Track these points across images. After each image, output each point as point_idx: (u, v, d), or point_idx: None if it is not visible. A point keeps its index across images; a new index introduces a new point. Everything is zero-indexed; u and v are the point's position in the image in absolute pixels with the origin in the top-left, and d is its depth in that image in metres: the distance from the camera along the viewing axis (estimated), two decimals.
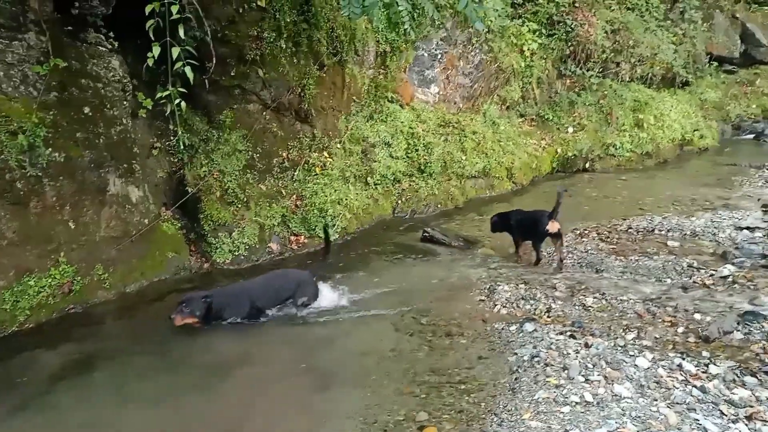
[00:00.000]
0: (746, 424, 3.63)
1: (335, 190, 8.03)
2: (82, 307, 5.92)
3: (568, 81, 12.49)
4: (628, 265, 6.54)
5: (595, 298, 5.79)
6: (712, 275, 6.12)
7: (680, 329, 5.05)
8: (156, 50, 5.13)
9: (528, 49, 11.46)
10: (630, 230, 7.83)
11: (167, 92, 5.23)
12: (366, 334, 5.39)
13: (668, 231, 7.66)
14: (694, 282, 6.02)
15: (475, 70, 10.86)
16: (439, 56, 10.44)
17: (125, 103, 6.60)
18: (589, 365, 4.47)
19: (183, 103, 5.24)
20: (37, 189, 5.66)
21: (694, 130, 13.58)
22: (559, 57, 12.35)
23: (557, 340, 4.93)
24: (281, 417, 4.23)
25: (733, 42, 16.48)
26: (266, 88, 7.69)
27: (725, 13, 16.44)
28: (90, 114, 6.14)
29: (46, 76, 5.70)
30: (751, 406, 3.82)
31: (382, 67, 9.40)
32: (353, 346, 5.18)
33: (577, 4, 12.41)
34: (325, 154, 8.24)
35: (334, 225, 7.79)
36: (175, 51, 5.06)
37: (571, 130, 11.86)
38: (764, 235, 7.25)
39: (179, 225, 7.14)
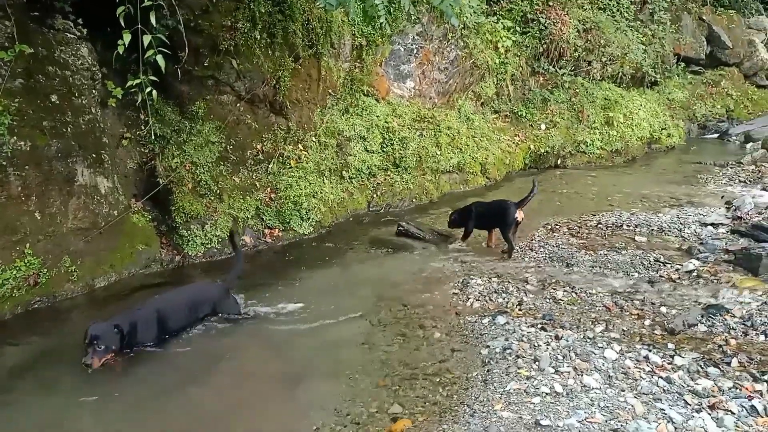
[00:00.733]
0: (709, 414, 3.73)
1: (310, 184, 8.01)
2: (48, 300, 5.80)
3: (541, 78, 12.62)
4: (598, 260, 6.65)
5: (565, 291, 5.88)
6: (677, 270, 6.26)
7: (647, 322, 5.16)
8: (127, 38, 5.05)
9: (502, 46, 11.54)
10: (599, 225, 7.96)
11: (138, 81, 5.14)
12: (340, 328, 5.39)
13: (636, 226, 7.81)
14: (661, 276, 6.15)
15: (450, 65, 10.90)
16: (415, 51, 10.46)
17: (94, 91, 6.48)
18: (560, 357, 4.54)
19: (154, 92, 5.15)
20: (1, 178, 5.52)
21: (662, 129, 13.85)
22: (533, 54, 12.47)
23: (529, 332, 4.99)
24: (254, 410, 4.21)
25: (699, 43, 16.82)
26: (240, 79, 7.62)
27: (692, 15, 16.77)
28: (57, 102, 6.01)
29: (11, 62, 5.55)
30: (714, 396, 3.93)
31: (358, 60, 9.38)
32: (327, 339, 5.17)
33: (550, 3, 12.55)
34: (300, 147, 8.20)
35: (309, 218, 7.77)
36: (147, 39, 4.98)
37: (543, 127, 11.99)
38: (727, 231, 7.43)
39: (150, 217, 7.03)
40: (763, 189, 9.70)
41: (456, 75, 11.04)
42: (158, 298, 5.26)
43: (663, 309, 5.38)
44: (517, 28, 12.11)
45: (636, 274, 6.24)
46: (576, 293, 5.83)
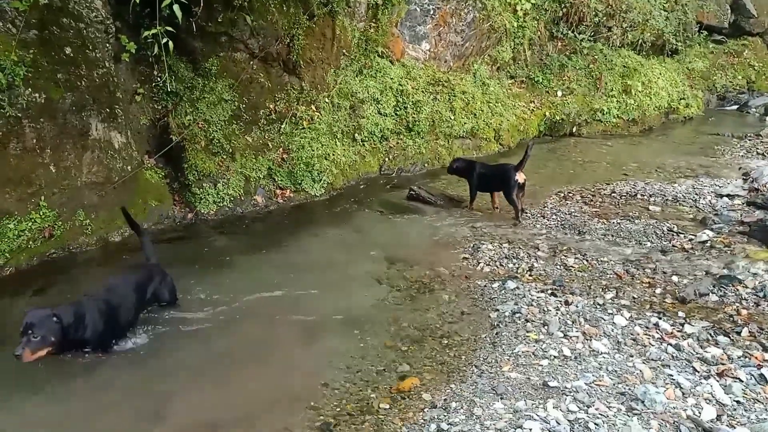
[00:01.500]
0: (717, 381, 3.75)
1: (322, 145, 7.97)
2: (63, 252, 5.87)
3: (559, 43, 12.38)
4: (610, 228, 6.61)
5: (576, 258, 5.87)
6: (690, 240, 6.22)
7: (658, 290, 5.16)
8: None
9: (521, 9, 11.30)
10: (613, 194, 7.90)
11: (154, 31, 5.07)
12: (350, 289, 5.43)
13: (650, 196, 7.74)
14: (674, 246, 6.11)
15: (467, 28, 10.70)
16: (432, 12, 10.26)
17: (108, 45, 6.42)
18: (569, 322, 4.56)
19: (170, 44, 5.08)
20: (16, 130, 5.52)
21: (680, 99, 13.60)
22: (552, 18, 12.21)
23: (538, 297, 5.01)
24: (265, 368, 4.26)
25: (723, 11, 16.38)
26: (254, 36, 7.52)
27: None
28: (71, 55, 5.96)
29: (25, 12, 5.49)
30: (723, 364, 3.94)
31: (374, 20, 9.22)
32: (338, 299, 5.21)
33: None
34: (313, 107, 8.13)
35: (320, 180, 7.75)
36: None
37: (560, 93, 11.81)
38: (743, 203, 7.36)
39: (163, 174, 7.05)
40: None
41: (472, 38, 10.85)
42: (104, 287, 4.47)
43: (674, 278, 5.36)
44: None
45: (648, 243, 6.21)
46: (587, 260, 5.82)
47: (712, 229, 6.44)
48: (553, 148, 10.70)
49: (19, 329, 3.83)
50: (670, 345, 4.19)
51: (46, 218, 5.71)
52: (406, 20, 10.08)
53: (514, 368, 3.98)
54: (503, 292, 5.18)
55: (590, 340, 4.28)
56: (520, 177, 6.92)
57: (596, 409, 3.45)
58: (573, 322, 4.54)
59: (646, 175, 8.88)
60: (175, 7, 4.58)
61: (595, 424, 3.30)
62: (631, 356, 4.08)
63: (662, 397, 3.54)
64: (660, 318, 4.60)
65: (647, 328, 4.47)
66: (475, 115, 10.05)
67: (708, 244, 6.07)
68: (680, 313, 4.69)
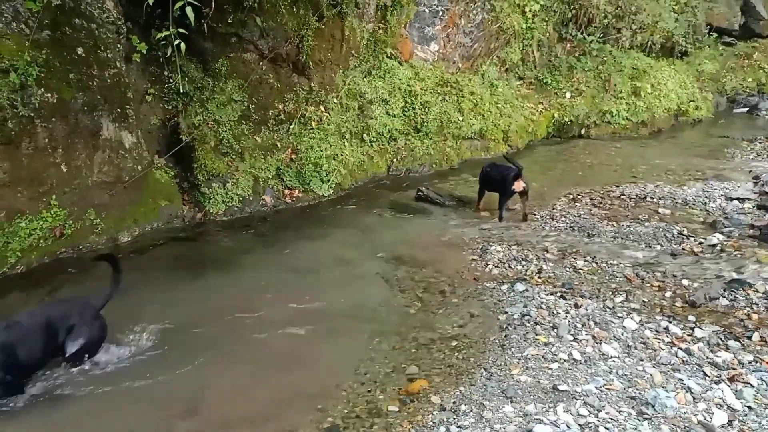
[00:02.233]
0: (728, 385, 3.73)
1: (331, 146, 7.98)
2: (74, 251, 5.90)
3: (568, 45, 12.34)
4: (620, 231, 6.59)
5: (585, 261, 5.86)
6: (701, 243, 6.19)
7: (668, 294, 5.14)
8: None
9: (530, 10, 11.28)
10: (623, 197, 7.87)
11: (167, 33, 5.09)
12: (359, 289, 5.44)
13: (660, 199, 7.71)
14: (683, 249, 6.09)
15: (476, 29, 10.69)
16: (441, 13, 10.26)
17: (119, 46, 6.45)
18: (578, 325, 4.55)
19: (183, 45, 5.10)
20: (29, 129, 5.55)
21: (690, 101, 13.52)
22: (561, 20, 12.17)
23: (547, 300, 5.00)
24: (271, 369, 4.27)
25: (733, 13, 16.27)
26: (264, 37, 7.55)
27: None
28: (83, 55, 5.99)
29: (39, 13, 5.54)
30: (734, 369, 3.92)
31: (383, 21, 9.23)
32: (346, 300, 5.22)
33: None
34: (322, 108, 8.15)
35: (329, 180, 7.77)
36: None
37: (568, 95, 11.78)
38: (753, 206, 7.31)
39: (172, 173, 7.07)
40: None
41: (481, 39, 10.84)
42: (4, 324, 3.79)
43: (685, 282, 5.34)
44: None
45: (658, 247, 6.19)
46: (597, 263, 5.80)
47: (722, 233, 6.41)
48: (561, 149, 10.67)
49: None
50: (681, 349, 4.18)
51: (57, 217, 5.75)
52: (414, 21, 10.08)
53: (523, 371, 3.98)
54: (512, 294, 5.18)
55: (600, 343, 4.27)
56: (518, 185, 6.87)
57: (606, 414, 3.44)
58: (583, 326, 4.53)
59: (656, 178, 8.85)
60: (188, 9, 4.59)
61: (606, 428, 3.30)
62: (641, 360, 4.07)
63: (673, 402, 3.53)
64: (670, 322, 4.58)
65: (657, 332, 4.46)
66: (483, 116, 10.04)
67: (718, 248, 6.04)
68: (690, 317, 4.67)
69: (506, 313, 4.85)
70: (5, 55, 5.33)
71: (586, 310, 4.78)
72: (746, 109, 15.19)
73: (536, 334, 4.47)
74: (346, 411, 3.72)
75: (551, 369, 3.97)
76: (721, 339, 4.32)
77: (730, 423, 3.38)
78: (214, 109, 7.27)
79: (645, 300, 5.02)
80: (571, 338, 4.36)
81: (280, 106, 7.81)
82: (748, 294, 4.97)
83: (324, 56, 8.26)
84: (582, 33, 12.33)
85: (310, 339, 4.65)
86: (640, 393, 3.65)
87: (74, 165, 5.95)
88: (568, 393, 3.67)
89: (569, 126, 11.62)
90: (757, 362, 3.99)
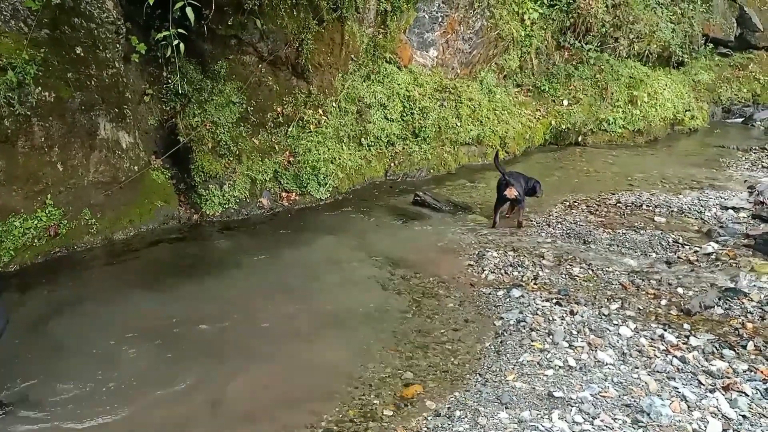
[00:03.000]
0: (723, 394, 3.74)
1: (328, 149, 7.98)
2: (68, 251, 5.88)
3: (566, 53, 12.38)
4: (615, 238, 6.60)
5: (581, 268, 5.86)
6: (696, 252, 6.21)
7: (663, 302, 5.15)
8: None
9: (529, 18, 11.31)
10: (618, 204, 7.89)
11: (167, 33, 5.09)
12: (354, 293, 5.42)
13: (656, 207, 7.73)
14: (679, 257, 6.10)
15: (475, 36, 10.71)
16: (440, 19, 10.28)
17: (118, 46, 6.45)
18: (574, 332, 4.56)
19: (182, 46, 5.10)
20: (25, 128, 5.55)
21: (686, 111, 13.58)
22: (559, 28, 12.20)
23: (543, 306, 5.01)
24: (264, 372, 4.25)
25: (729, 25, 16.36)
26: (263, 40, 7.54)
27: None
28: (82, 54, 5.99)
29: (38, 11, 5.53)
30: (728, 377, 3.93)
31: (382, 26, 9.24)
32: (342, 303, 5.21)
33: None
34: (320, 111, 8.14)
35: (326, 183, 7.76)
36: None
37: (566, 102, 11.80)
38: (748, 216, 7.34)
39: (169, 175, 7.06)
40: None
41: (480, 46, 10.86)
42: None
43: (680, 290, 5.35)
44: (545, 1, 11.85)
45: (654, 255, 6.20)
46: (592, 270, 5.81)
47: (717, 242, 6.43)
48: (558, 157, 10.69)
49: None
50: (676, 357, 4.19)
51: (52, 216, 5.73)
52: (414, 27, 10.10)
53: (518, 377, 3.98)
54: (508, 300, 5.18)
55: (595, 350, 4.28)
56: (509, 192, 6.88)
57: (602, 421, 3.44)
58: (578, 332, 4.54)
59: (652, 186, 8.87)
60: (188, 10, 4.60)
61: None
62: (637, 368, 4.07)
63: (668, 410, 3.53)
64: (665, 330, 4.59)
65: (652, 339, 4.47)
66: (481, 122, 10.05)
67: (713, 257, 6.06)
68: (685, 326, 4.69)
69: (502, 318, 4.85)
70: (3, 53, 5.34)
71: (582, 316, 4.78)
72: (741, 119, 15.28)
73: (532, 341, 4.47)
74: (340, 415, 3.71)
75: (546, 375, 3.97)
76: (716, 348, 4.33)
77: None
78: (212, 110, 7.26)
79: (640, 308, 5.03)
80: (567, 345, 4.36)
81: (279, 109, 7.80)
82: (743, 303, 4.98)
83: (323, 60, 8.26)
84: (580, 42, 12.37)
85: (305, 342, 4.64)
86: (635, 401, 3.66)
87: (70, 164, 5.94)
88: (563, 400, 3.67)
89: (566, 133, 11.64)
90: (751, 371, 4.00)
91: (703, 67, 15.56)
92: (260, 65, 7.64)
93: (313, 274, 5.77)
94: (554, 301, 5.12)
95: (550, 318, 4.78)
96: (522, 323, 4.72)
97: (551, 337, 4.49)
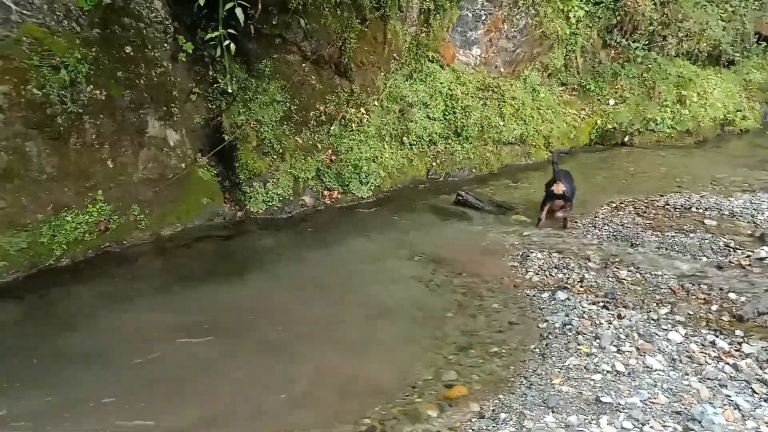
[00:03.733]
0: None
1: (370, 148, 7.98)
2: (117, 246, 6.01)
3: (612, 51, 12.11)
4: (664, 241, 6.42)
5: (629, 271, 5.72)
6: (748, 256, 5.99)
7: (714, 307, 4.99)
8: None
9: (574, 16, 11.11)
10: (667, 206, 7.67)
11: (217, 33, 5.18)
12: (396, 292, 5.41)
13: (706, 209, 7.49)
14: (730, 262, 5.90)
15: (519, 34, 10.58)
16: (484, 17, 10.18)
17: (166, 45, 6.58)
18: (622, 336, 4.45)
19: (232, 45, 5.18)
20: (77, 125, 5.70)
21: (737, 111, 13.14)
22: (605, 26, 11.95)
23: (590, 309, 4.91)
24: (307, 367, 4.28)
25: None
26: (307, 39, 7.60)
27: None
28: (131, 54, 6.13)
29: (89, 11, 5.68)
30: None
31: (425, 25, 9.21)
32: (383, 302, 5.20)
33: None
34: (362, 110, 8.16)
35: (368, 182, 7.77)
36: None
37: (612, 102, 11.55)
38: None
39: (215, 172, 7.16)
40: None
41: (524, 44, 10.72)
42: None
43: (731, 295, 5.18)
44: None
45: (704, 258, 6.01)
46: (640, 273, 5.66)
47: None
48: (604, 157, 10.47)
49: None
50: (728, 364, 4.05)
51: (103, 212, 5.87)
52: (457, 25, 10.02)
53: (565, 381, 3.90)
54: (553, 302, 5.09)
55: (644, 355, 4.16)
56: (557, 188, 6.81)
57: (651, 428, 3.35)
58: (626, 337, 4.43)
59: (701, 188, 8.61)
60: (237, 10, 4.66)
61: None
62: (687, 374, 3.95)
63: (720, 419, 3.42)
64: (717, 336, 4.44)
65: (703, 345, 4.33)
66: (524, 121, 9.92)
67: (766, 262, 5.84)
68: (738, 332, 4.52)
69: (547, 321, 4.77)
70: (56, 52, 5.49)
71: (630, 321, 4.67)
72: None
73: (578, 344, 4.38)
74: (383, 413, 3.70)
75: (594, 380, 3.89)
76: None
77: None
78: (256, 109, 7.35)
79: (690, 313, 4.88)
80: (615, 349, 4.26)
81: (321, 108, 7.85)
82: None
83: (366, 59, 8.28)
84: (627, 40, 12.09)
85: (346, 339, 4.65)
86: (686, 408, 3.55)
87: (120, 161, 6.08)
88: (611, 405, 3.58)
89: (612, 133, 11.39)
90: None
91: (755, 66, 15.01)
92: (303, 64, 7.69)
93: (355, 272, 5.79)
94: (601, 304, 5.01)
95: (597, 322, 4.68)
96: (568, 326, 4.63)
97: (598, 341, 4.39)
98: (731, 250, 6.20)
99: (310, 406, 3.81)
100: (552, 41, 10.93)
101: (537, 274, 5.71)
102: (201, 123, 7.30)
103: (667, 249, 6.24)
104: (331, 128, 7.86)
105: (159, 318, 4.82)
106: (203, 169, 7.04)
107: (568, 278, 5.60)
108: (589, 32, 11.57)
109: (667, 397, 3.67)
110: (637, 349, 4.26)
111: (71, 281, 5.32)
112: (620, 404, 3.59)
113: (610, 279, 5.57)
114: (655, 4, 12.19)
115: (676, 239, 6.45)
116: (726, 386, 3.81)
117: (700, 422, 3.40)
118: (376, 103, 8.38)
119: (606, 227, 6.93)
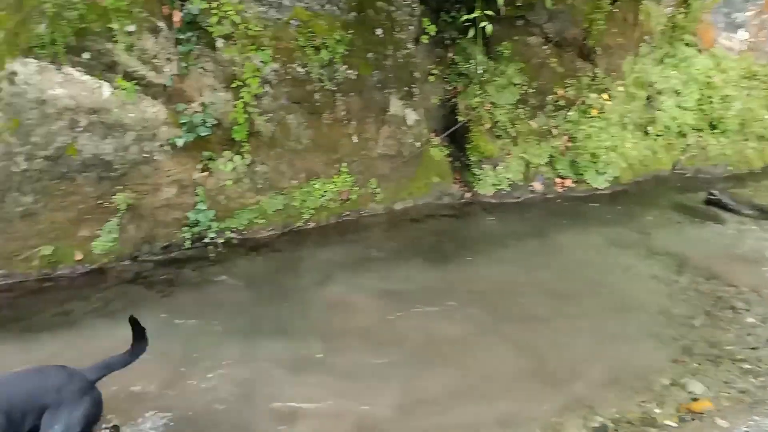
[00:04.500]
0: None
1: (611, 136, 7.44)
2: (355, 215, 6.41)
3: None
4: None
5: None
6: None
7: None
8: None
9: None
10: None
11: (475, 15, 5.24)
12: (632, 293, 5.00)
13: None
14: None
15: None
16: None
17: (411, 27, 6.80)
18: None
19: (488, 27, 5.20)
20: (331, 102, 6.18)
21: None
22: None
23: None
24: (536, 358, 4.15)
25: None
26: (551, 20, 7.34)
27: None
28: (381, 36, 6.44)
29: None
30: None
31: (684, 5, 8.31)
32: (618, 299, 4.87)
33: None
34: (604, 96, 7.64)
35: (605, 173, 7.27)
36: None
37: None
38: None
39: (446, 152, 7.27)
40: None
41: None
42: None
43: None
44: None
45: None
46: None
47: None
48: None
49: None
50: None
51: (346, 183, 6.31)
52: (721, 6, 8.90)
53: None
54: None
55: None
56: None
57: None
58: None
59: None
60: None
61: None
62: None
63: None
64: None
65: None
66: None
67: None
68: None
69: None
70: (318, 34, 5.98)
71: None
72: None
73: None
74: (617, 415, 3.45)
75: None
76: None
77: None
78: (492, 91, 7.28)
79: None
80: None
81: (560, 92, 7.51)
82: None
83: (612, 41, 7.73)
84: None
85: (576, 335, 4.39)
86: None
87: (363, 137, 6.46)
88: None
89: None
90: None
91: None
92: (545, 46, 7.44)
93: (586, 265, 5.46)
94: None
95: None
96: None
97: None
98: None
99: (538, 401, 3.69)
100: None
101: None
102: (437, 104, 7.45)
103: None
104: (569, 114, 7.49)
105: (383, 283, 5.07)
106: (436, 148, 7.19)
107: None
108: None
109: None
110: None
111: (316, 243, 5.82)
112: None
113: None
114: None
115: None
116: None
117: None
118: (620, 88, 7.79)
119: None
